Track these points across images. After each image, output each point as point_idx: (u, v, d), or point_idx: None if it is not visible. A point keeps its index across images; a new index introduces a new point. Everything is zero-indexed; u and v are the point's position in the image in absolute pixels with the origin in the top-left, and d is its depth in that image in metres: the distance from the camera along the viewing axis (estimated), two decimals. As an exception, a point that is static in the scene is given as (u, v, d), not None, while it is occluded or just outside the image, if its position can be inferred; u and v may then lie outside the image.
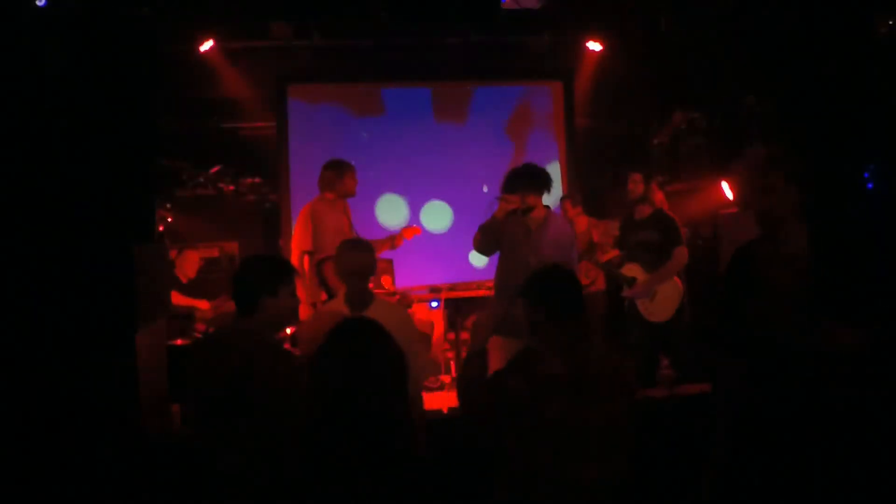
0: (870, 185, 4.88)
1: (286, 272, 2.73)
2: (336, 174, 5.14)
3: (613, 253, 5.50)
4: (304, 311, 5.11)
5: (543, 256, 4.17)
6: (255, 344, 2.60)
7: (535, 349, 2.62)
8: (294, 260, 5.17)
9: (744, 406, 2.67)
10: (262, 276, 2.67)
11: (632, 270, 5.20)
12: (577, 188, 7.17)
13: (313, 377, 1.97)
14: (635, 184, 5.29)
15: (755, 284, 2.72)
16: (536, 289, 2.65)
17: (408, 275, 6.98)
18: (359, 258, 3.41)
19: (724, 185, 5.61)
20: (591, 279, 5.92)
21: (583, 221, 6.03)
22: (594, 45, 7.02)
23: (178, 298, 5.95)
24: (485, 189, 5.14)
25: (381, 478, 1.85)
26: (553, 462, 2.40)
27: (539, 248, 4.28)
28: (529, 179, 4.35)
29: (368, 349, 1.97)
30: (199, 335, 5.69)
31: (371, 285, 5.43)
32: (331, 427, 1.90)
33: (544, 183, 4.37)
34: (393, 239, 5.26)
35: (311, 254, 5.07)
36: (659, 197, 5.31)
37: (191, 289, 6.36)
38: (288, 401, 2.44)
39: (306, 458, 1.91)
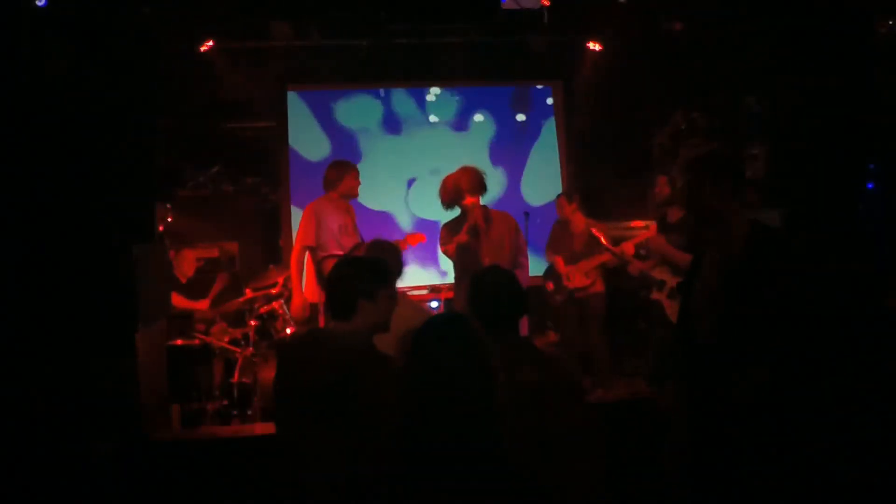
0: (870, 185, 4.88)
1: (384, 275, 2.68)
2: (337, 174, 5.15)
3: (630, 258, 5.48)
4: (295, 306, 5.15)
5: (493, 253, 4.52)
6: (354, 348, 2.57)
7: None
8: (294, 255, 5.18)
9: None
10: (361, 279, 2.63)
11: (662, 273, 5.17)
12: (577, 188, 7.17)
13: (407, 376, 1.93)
14: (661, 187, 5.29)
15: (694, 286, 2.80)
16: (478, 295, 2.55)
17: (408, 275, 6.97)
18: (388, 260, 3.37)
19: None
20: (592, 280, 5.90)
21: (580, 219, 6.01)
22: (594, 45, 7.02)
23: (177, 300, 5.95)
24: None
25: (475, 477, 1.81)
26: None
27: (488, 246, 4.56)
28: (479, 182, 4.64)
29: (459, 348, 1.92)
30: (199, 335, 5.69)
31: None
32: (426, 427, 1.87)
33: (485, 184, 4.74)
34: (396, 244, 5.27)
35: (312, 249, 5.09)
36: None
37: (190, 289, 6.36)
38: (385, 405, 2.42)
39: (400, 457, 1.88)
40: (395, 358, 2.67)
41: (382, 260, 2.91)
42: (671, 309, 5.08)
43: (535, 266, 6.11)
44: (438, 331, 1.99)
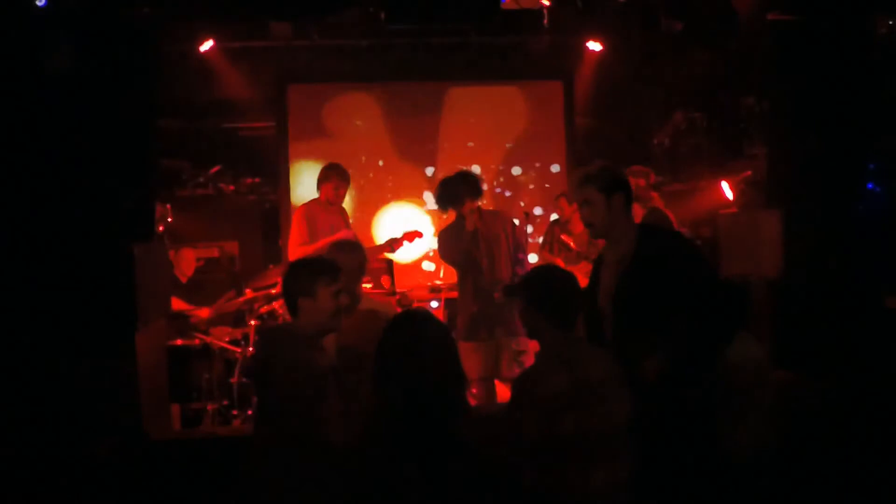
0: (869, 185, 4.88)
1: (325, 272, 2.71)
2: (319, 180, 5.25)
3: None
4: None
5: (492, 254, 4.53)
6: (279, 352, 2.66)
7: (535, 367, 2.61)
8: (292, 255, 5.20)
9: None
10: (298, 277, 2.72)
11: None
12: (561, 192, 7.16)
13: (376, 370, 1.96)
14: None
15: (596, 292, 3.10)
16: (536, 292, 2.59)
17: (408, 275, 6.98)
18: (343, 259, 3.37)
19: (724, 186, 5.61)
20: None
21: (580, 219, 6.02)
22: (594, 45, 7.01)
23: (178, 304, 5.93)
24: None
25: (443, 466, 1.83)
26: (560, 471, 2.37)
27: (486, 247, 4.57)
28: (476, 186, 4.67)
29: (426, 340, 1.97)
30: (199, 335, 5.69)
31: (371, 286, 5.44)
32: (394, 416, 1.88)
33: (481, 187, 4.77)
34: (393, 242, 5.27)
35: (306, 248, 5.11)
36: (653, 195, 5.38)
37: (190, 289, 6.35)
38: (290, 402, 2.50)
39: (369, 446, 1.90)
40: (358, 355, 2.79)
41: (326, 259, 2.96)
42: None
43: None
44: (406, 328, 2.03)
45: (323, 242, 4.81)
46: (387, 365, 1.98)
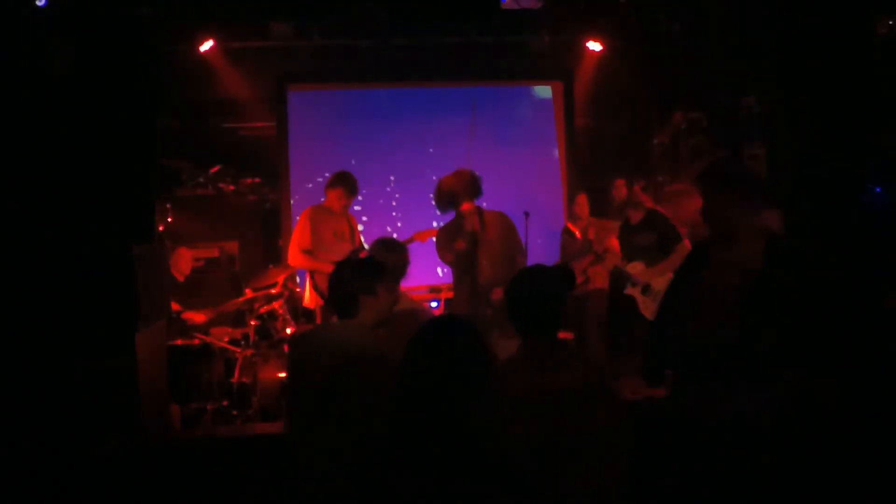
0: (869, 185, 4.88)
1: (381, 271, 2.85)
2: (327, 187, 5.31)
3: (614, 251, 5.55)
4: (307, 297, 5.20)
5: (492, 253, 4.55)
6: (355, 341, 2.70)
7: (501, 366, 2.59)
8: (292, 256, 5.21)
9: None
10: (360, 276, 2.81)
11: (635, 269, 5.29)
12: (577, 188, 7.16)
13: (401, 376, 1.92)
14: (618, 189, 5.60)
15: (703, 285, 2.80)
16: (508, 299, 2.54)
17: (408, 275, 6.96)
18: (392, 259, 3.38)
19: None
20: (583, 279, 5.88)
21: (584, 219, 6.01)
22: (594, 45, 7.01)
23: (176, 307, 5.92)
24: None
25: (463, 481, 1.81)
26: (542, 474, 2.34)
27: (485, 248, 4.58)
28: (474, 186, 4.67)
29: (455, 349, 1.91)
30: (199, 335, 5.69)
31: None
32: (415, 428, 1.86)
33: (480, 187, 4.76)
34: (405, 241, 5.30)
35: (310, 252, 5.11)
36: (645, 198, 5.42)
37: (188, 288, 6.35)
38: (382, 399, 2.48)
39: (389, 457, 1.87)
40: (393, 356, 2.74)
41: (377, 259, 3.08)
42: (644, 305, 5.19)
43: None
44: (437, 335, 1.98)
45: (327, 266, 4.78)
46: (411, 372, 1.93)
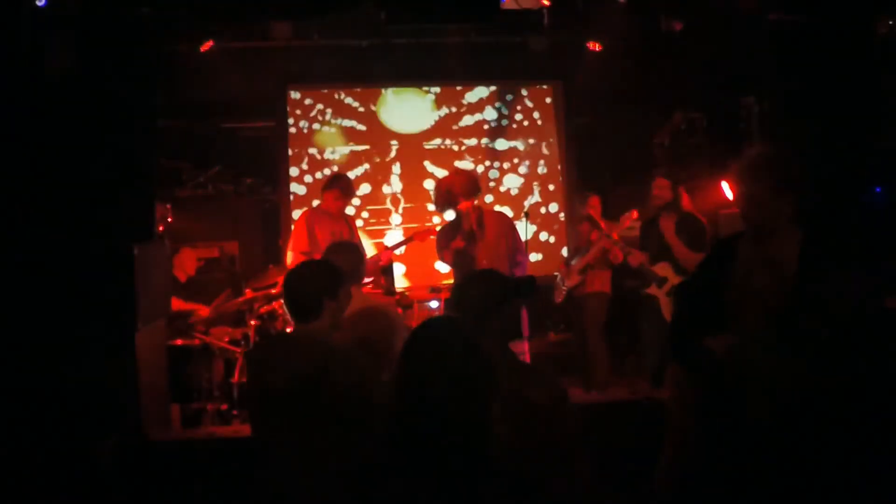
0: (870, 185, 4.88)
1: (341, 274, 2.81)
2: (323, 186, 5.33)
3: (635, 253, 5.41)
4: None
5: (491, 252, 4.56)
6: (325, 345, 2.65)
7: None
8: (289, 259, 5.22)
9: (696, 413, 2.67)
10: (324, 279, 2.73)
11: (663, 269, 5.11)
12: (577, 188, 7.16)
13: (399, 377, 1.90)
14: (661, 189, 5.11)
15: (734, 282, 2.65)
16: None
17: (408, 275, 6.98)
18: (341, 261, 3.36)
19: (724, 185, 5.60)
20: (581, 279, 5.84)
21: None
22: (594, 45, 7.01)
23: (178, 304, 5.93)
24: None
25: (463, 481, 1.80)
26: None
27: (484, 248, 4.59)
28: (472, 185, 4.68)
29: (453, 349, 1.89)
30: (199, 335, 5.68)
31: (371, 285, 5.43)
32: (413, 429, 1.84)
33: (479, 186, 4.79)
34: (405, 241, 5.32)
35: (308, 255, 5.11)
36: (685, 200, 5.21)
37: (190, 289, 6.35)
38: (359, 399, 2.49)
39: (384, 458, 1.86)
40: (358, 352, 2.77)
41: (334, 262, 2.97)
42: (667, 307, 5.05)
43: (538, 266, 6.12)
44: (432, 335, 1.97)
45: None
46: (410, 373, 1.91)
